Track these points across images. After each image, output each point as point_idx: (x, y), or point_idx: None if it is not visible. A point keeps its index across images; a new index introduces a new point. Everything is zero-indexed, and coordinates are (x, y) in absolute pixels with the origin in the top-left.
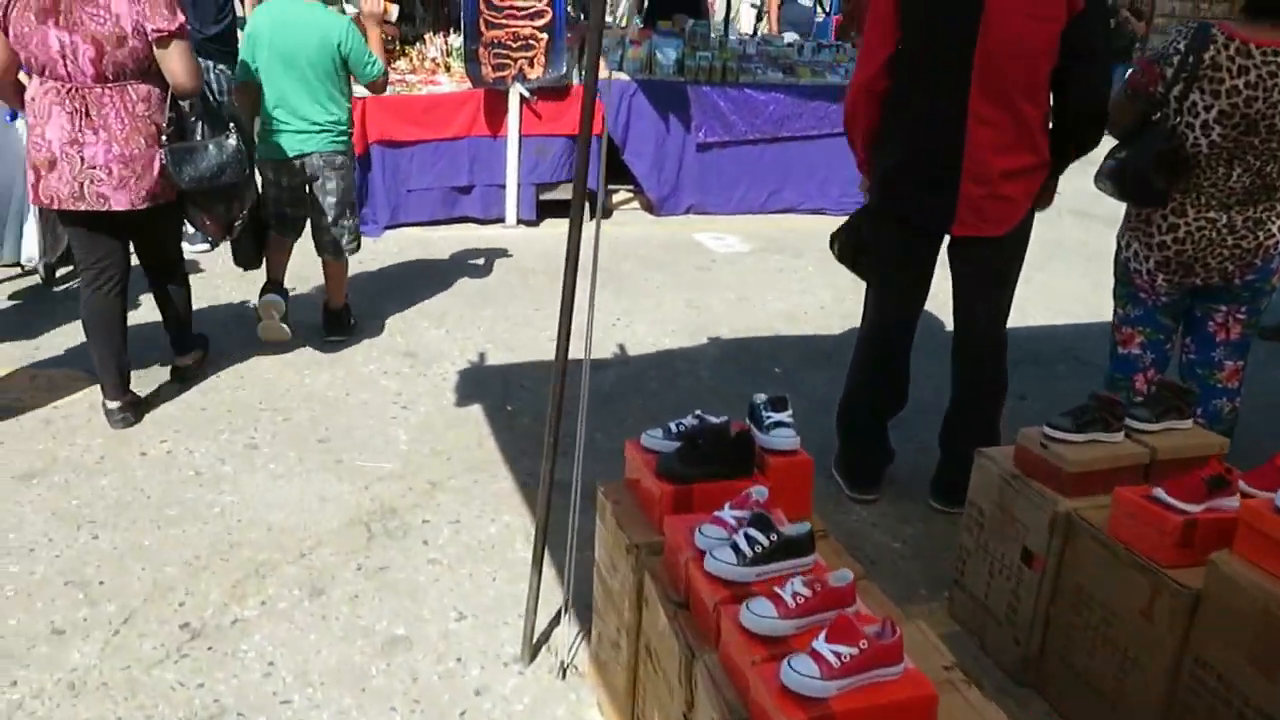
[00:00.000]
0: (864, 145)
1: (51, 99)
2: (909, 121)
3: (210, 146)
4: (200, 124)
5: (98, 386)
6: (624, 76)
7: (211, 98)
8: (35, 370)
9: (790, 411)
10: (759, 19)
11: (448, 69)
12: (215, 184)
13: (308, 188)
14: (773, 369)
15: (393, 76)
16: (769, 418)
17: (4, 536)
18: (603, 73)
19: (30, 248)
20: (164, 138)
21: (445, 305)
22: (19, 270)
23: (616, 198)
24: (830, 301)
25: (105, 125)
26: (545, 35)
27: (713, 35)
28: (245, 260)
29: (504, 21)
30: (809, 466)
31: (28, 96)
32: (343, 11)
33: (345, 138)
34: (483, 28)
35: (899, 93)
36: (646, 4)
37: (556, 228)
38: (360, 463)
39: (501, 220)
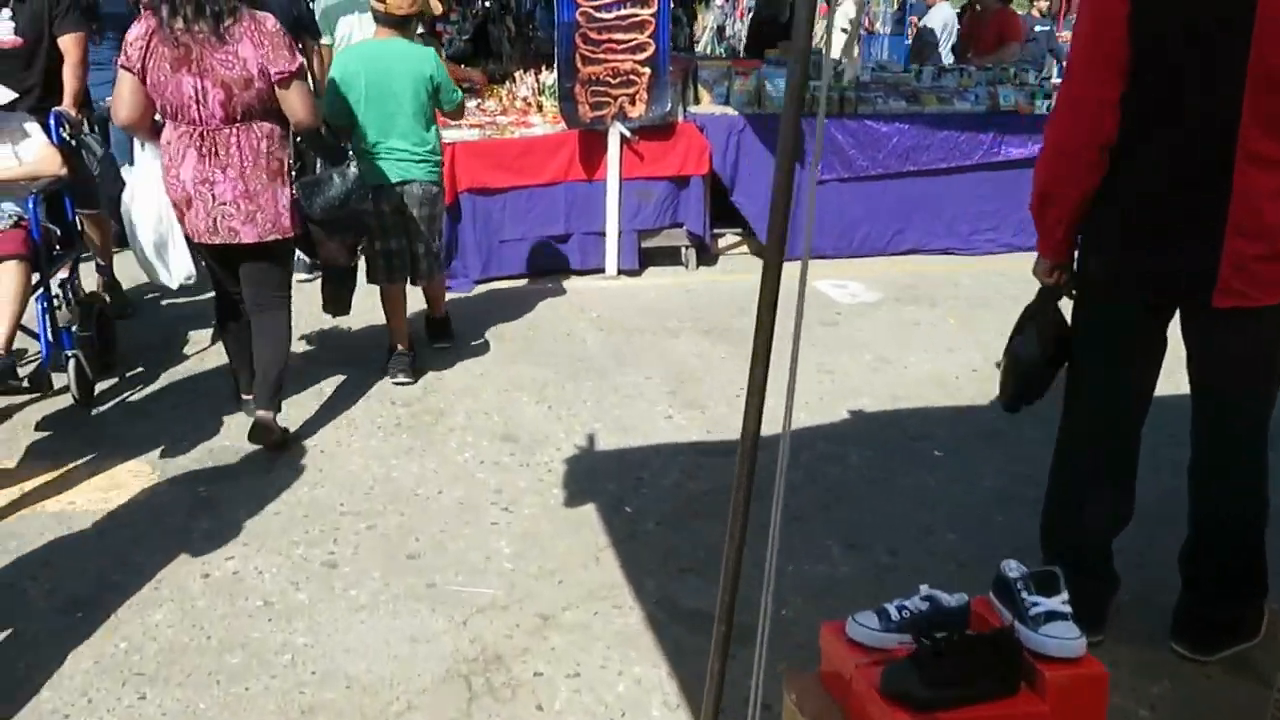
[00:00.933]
0: (1072, 219)
1: (185, 141)
2: (1146, 165)
3: (335, 176)
4: (317, 157)
5: (159, 480)
6: (731, 111)
7: (325, 132)
8: (93, 465)
9: (1065, 595)
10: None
11: (539, 108)
12: (342, 211)
13: (402, 216)
14: (931, 451)
15: (481, 118)
16: (1034, 605)
17: (37, 698)
18: (706, 107)
19: (185, 266)
20: (291, 174)
21: (545, 374)
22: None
23: (723, 242)
24: (981, 363)
25: (233, 163)
26: (648, 70)
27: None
28: (336, 305)
29: (602, 56)
30: (1103, 682)
31: (163, 140)
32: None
33: (440, 168)
34: (579, 64)
35: (1130, 133)
36: (746, 36)
37: (660, 278)
38: (456, 587)
39: (601, 270)
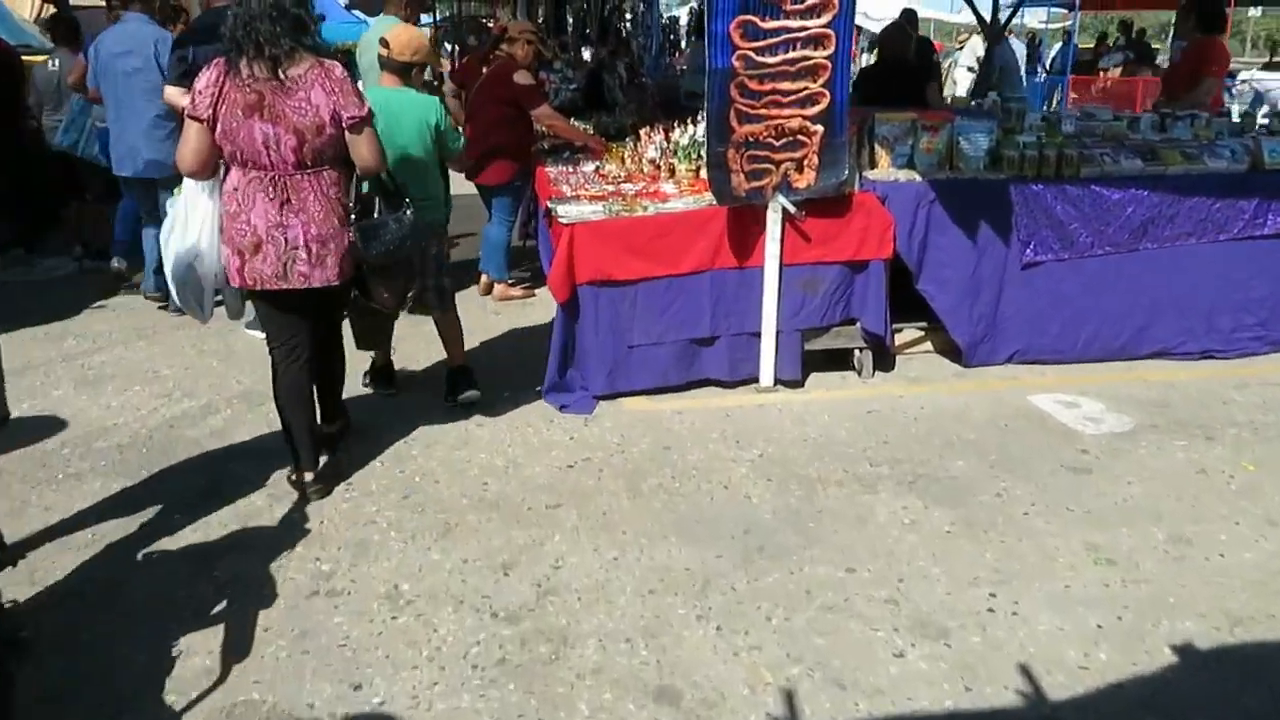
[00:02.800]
0: None
1: (255, 187)
2: None
3: (392, 222)
4: (378, 200)
5: None
6: (916, 176)
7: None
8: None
9: None
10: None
11: (672, 173)
12: (397, 256)
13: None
14: None
15: (602, 187)
16: None
17: None
18: (884, 172)
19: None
20: (352, 216)
21: (704, 560)
22: None
23: (899, 338)
24: None
25: (305, 208)
26: (820, 128)
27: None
28: (369, 340)
29: (764, 112)
30: None
31: (229, 186)
32: None
33: (444, 210)
34: (734, 122)
35: None
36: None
37: (830, 390)
38: None
39: (755, 380)
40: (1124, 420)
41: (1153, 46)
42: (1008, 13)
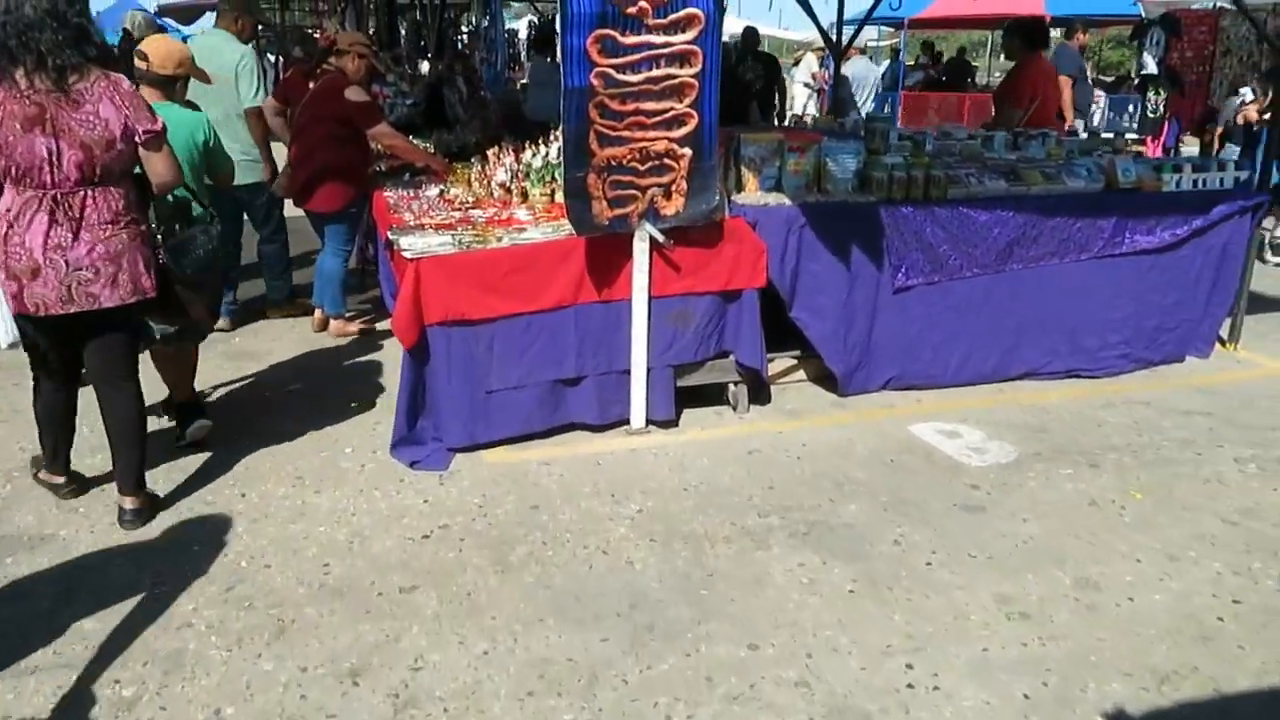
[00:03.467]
0: None
1: (33, 207)
2: None
3: (200, 235)
4: (176, 216)
5: None
6: (785, 200)
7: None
8: None
9: None
10: (816, 99)
11: (525, 198)
12: (209, 269)
13: None
14: None
15: (449, 214)
16: None
17: None
18: (752, 195)
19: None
20: (158, 235)
21: (587, 645)
22: None
23: (773, 368)
24: (1235, 581)
25: (89, 227)
26: (687, 151)
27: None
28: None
29: (627, 134)
30: None
31: (2, 207)
32: None
33: None
34: (594, 145)
35: None
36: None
37: (707, 430)
38: None
39: (626, 422)
40: (1007, 449)
41: (972, 64)
42: (850, 30)
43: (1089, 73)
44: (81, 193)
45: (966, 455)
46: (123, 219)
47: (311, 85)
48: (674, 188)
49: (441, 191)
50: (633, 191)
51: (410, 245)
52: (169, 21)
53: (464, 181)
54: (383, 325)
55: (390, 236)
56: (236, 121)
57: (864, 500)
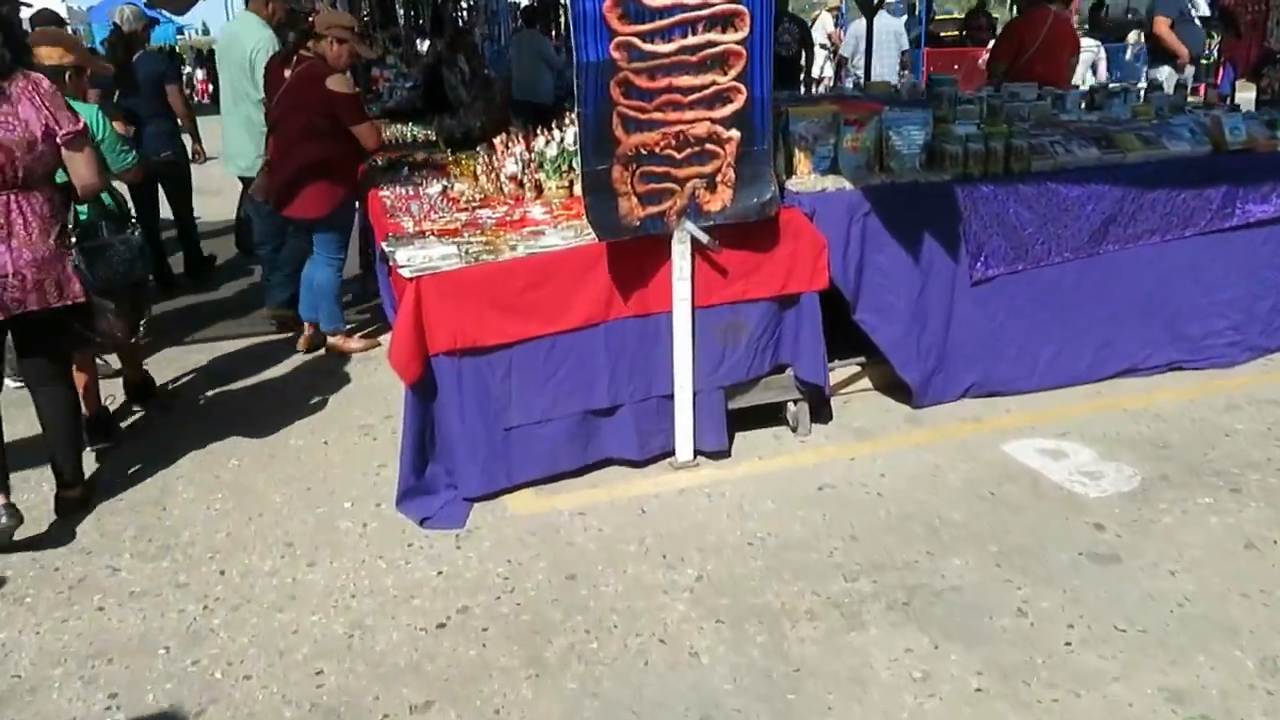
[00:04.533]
0: None
1: None
2: None
3: (119, 244)
4: (102, 221)
5: None
6: (845, 183)
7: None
8: None
9: None
10: (838, 65)
11: (539, 191)
12: (126, 281)
13: None
14: None
15: (453, 217)
16: None
17: None
18: (806, 180)
19: None
20: (73, 239)
21: None
22: None
23: (833, 377)
24: None
25: (14, 232)
26: (735, 133)
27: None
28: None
29: (659, 116)
30: None
31: None
32: None
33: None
34: (619, 130)
35: None
36: None
37: (765, 460)
38: None
39: (669, 455)
40: (1126, 472)
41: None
42: None
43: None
44: (4, 197)
45: (1080, 483)
46: (49, 223)
47: (287, 74)
48: (719, 178)
49: (444, 188)
50: (669, 185)
51: (409, 260)
52: (161, 12)
53: (469, 174)
54: (388, 338)
55: (386, 248)
56: (253, 112)
57: (969, 551)
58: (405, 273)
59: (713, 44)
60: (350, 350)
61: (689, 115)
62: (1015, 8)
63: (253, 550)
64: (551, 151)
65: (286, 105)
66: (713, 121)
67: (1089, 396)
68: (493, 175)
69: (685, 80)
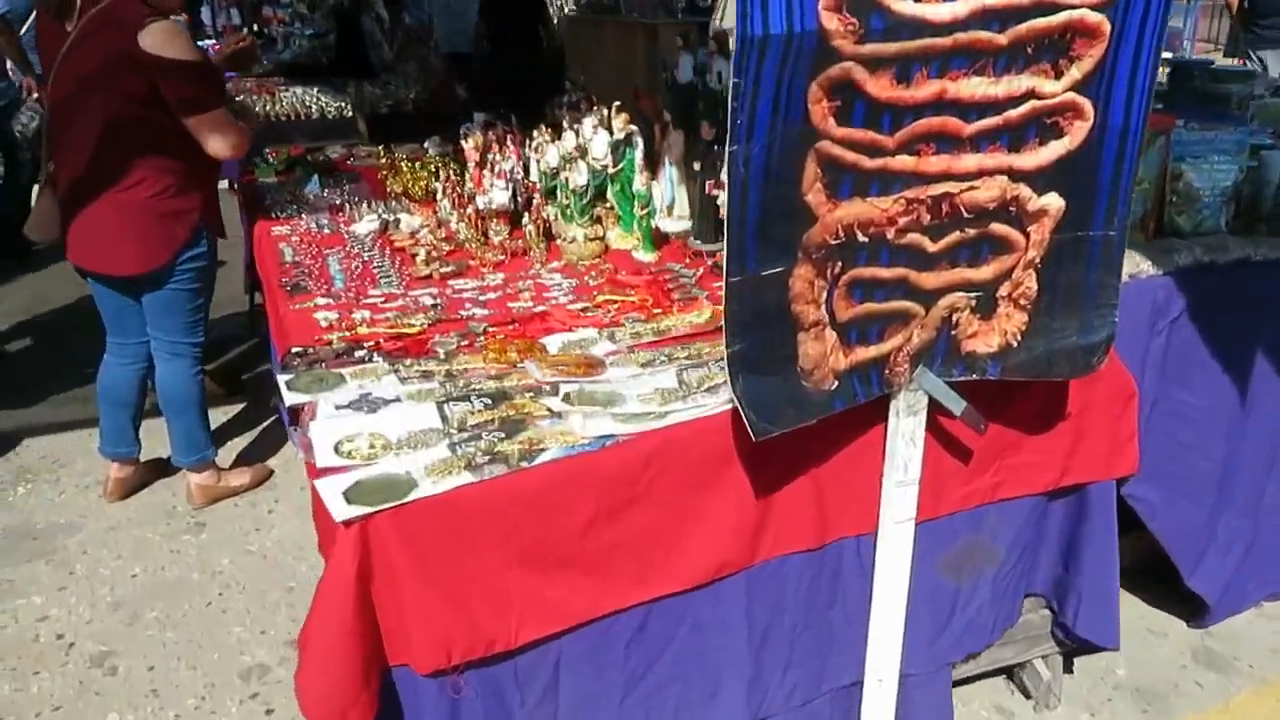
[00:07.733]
0: None
1: None
2: None
3: None
4: None
5: None
6: (1143, 264)
7: None
8: None
9: None
10: None
11: (547, 239)
12: None
13: None
14: None
15: (404, 315)
16: None
17: None
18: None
19: None
20: None
21: None
22: None
23: None
24: None
25: None
26: (1055, 201)
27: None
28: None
29: (903, 164)
30: None
31: None
32: None
33: None
34: (816, 191)
35: None
36: None
37: None
38: None
39: None
40: None
41: None
42: None
43: None
44: None
45: None
46: None
47: (69, 29)
48: (1012, 293)
49: (383, 225)
50: (903, 303)
51: (330, 459)
52: None
53: (417, 192)
54: (284, 456)
55: (285, 402)
56: None
57: None
58: (337, 513)
59: (1049, 4)
60: (228, 492)
61: (970, 161)
62: None
63: None
64: (579, 179)
65: (72, 82)
66: (1013, 176)
67: None
68: (461, 205)
69: (973, 88)
